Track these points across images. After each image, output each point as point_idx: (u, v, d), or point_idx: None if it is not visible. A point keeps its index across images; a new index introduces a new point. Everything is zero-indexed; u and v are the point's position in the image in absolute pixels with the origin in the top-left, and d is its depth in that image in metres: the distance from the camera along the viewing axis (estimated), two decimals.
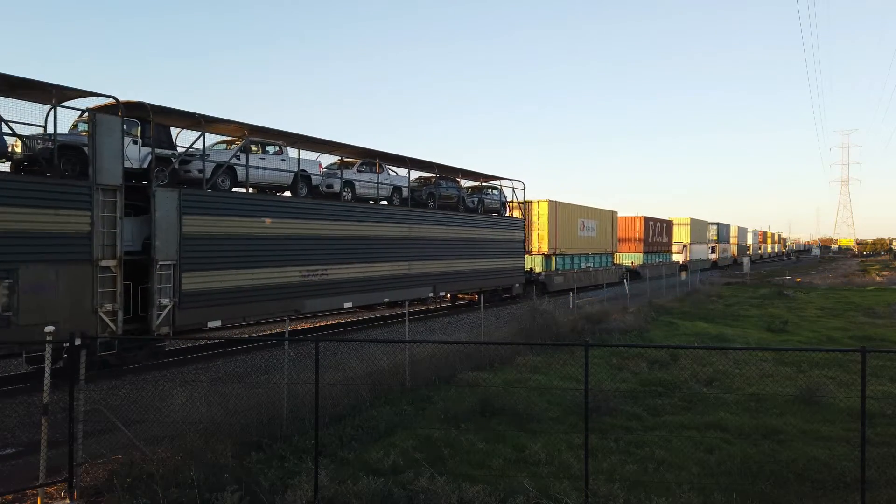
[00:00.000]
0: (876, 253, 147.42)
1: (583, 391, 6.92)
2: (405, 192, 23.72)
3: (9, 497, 7.10)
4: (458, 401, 10.28)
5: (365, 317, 25.32)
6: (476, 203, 28.52)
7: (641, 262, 49.88)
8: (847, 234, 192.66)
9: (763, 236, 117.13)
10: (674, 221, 61.76)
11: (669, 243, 58.02)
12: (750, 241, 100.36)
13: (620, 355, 14.93)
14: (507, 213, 31.32)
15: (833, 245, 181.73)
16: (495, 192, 30.56)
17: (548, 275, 35.07)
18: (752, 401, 10.99)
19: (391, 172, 23.65)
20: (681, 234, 62.23)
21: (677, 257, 60.38)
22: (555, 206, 36.05)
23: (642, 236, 50.49)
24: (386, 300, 22.46)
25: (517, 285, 30.41)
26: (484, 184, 30.54)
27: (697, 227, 66.50)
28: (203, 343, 17.60)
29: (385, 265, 21.74)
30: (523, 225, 31.75)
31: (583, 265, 39.85)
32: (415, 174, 25.44)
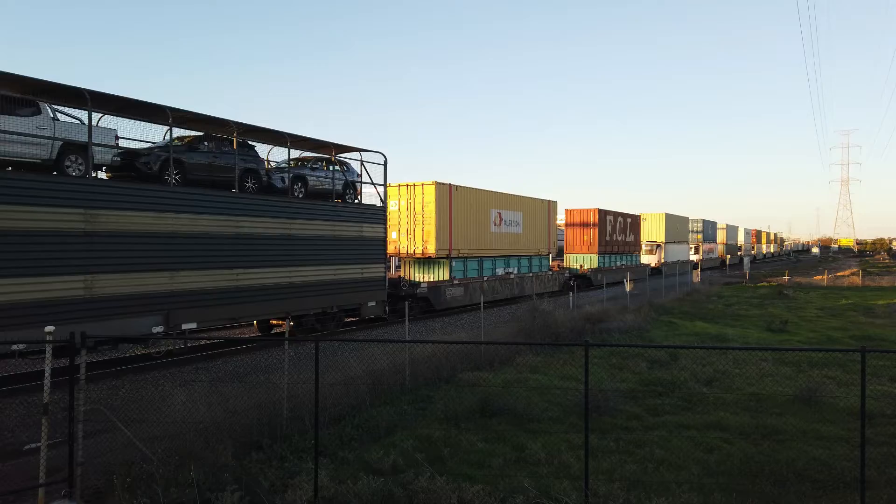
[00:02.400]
0: (875, 252, 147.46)
1: (582, 391, 6.93)
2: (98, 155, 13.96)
3: (9, 497, 7.10)
4: (458, 401, 10.28)
5: None
6: (292, 183, 18.41)
7: (595, 266, 41.36)
8: (847, 234, 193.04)
9: (757, 235, 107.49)
10: (643, 217, 53.45)
11: (636, 243, 49.80)
12: (742, 240, 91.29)
13: (620, 355, 14.93)
14: (359, 199, 21.40)
15: (833, 245, 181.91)
16: (342, 168, 20.87)
17: (436, 286, 25.81)
18: (751, 401, 11.00)
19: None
20: (653, 232, 54.31)
21: (649, 259, 52.87)
22: (447, 192, 26.62)
23: (597, 234, 41.74)
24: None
25: (372, 303, 20.84)
26: (316, 155, 20.88)
27: (675, 223, 58.11)
28: (202, 343, 17.60)
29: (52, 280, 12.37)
30: (384, 215, 21.55)
31: (500, 271, 31.10)
32: (176, 133, 15.98)
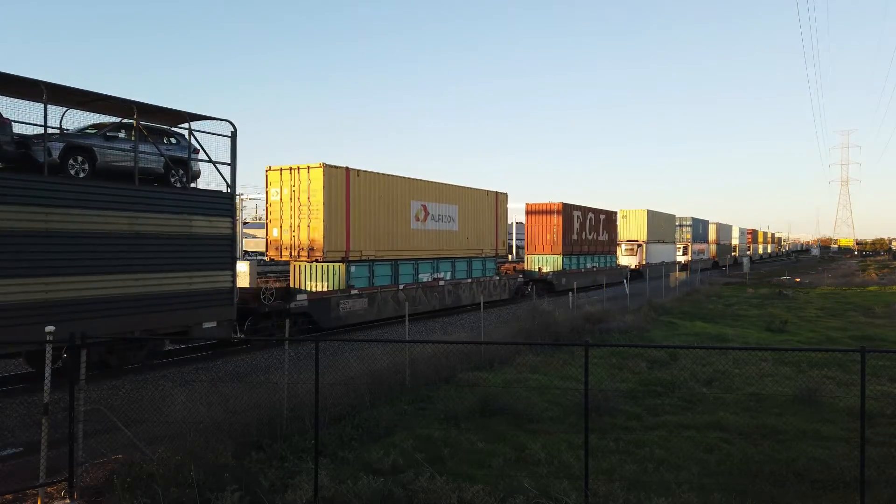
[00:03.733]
0: (875, 252, 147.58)
1: (582, 391, 6.93)
2: None
3: (9, 497, 7.10)
4: (458, 401, 10.29)
5: None
6: (66, 156, 13.05)
7: (559, 268, 36.20)
8: (846, 234, 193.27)
9: (753, 235, 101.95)
10: (622, 213, 49.23)
11: (612, 242, 44.98)
12: (736, 240, 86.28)
13: (620, 355, 14.94)
14: (195, 183, 15.92)
15: (833, 245, 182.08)
16: (167, 140, 15.46)
17: (322, 299, 20.03)
18: (751, 401, 11.01)
19: None
20: (633, 231, 49.56)
21: (629, 260, 48.39)
22: (341, 178, 20.82)
23: (561, 232, 36.21)
24: None
25: (210, 324, 15.21)
26: (120, 120, 14.65)
27: (660, 221, 53.03)
28: (202, 343, 17.59)
29: None
30: (231, 205, 15.86)
31: (425, 277, 25.23)
32: None
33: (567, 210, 36.92)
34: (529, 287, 32.28)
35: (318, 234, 20.40)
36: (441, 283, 26.08)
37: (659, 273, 43.65)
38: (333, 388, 10.06)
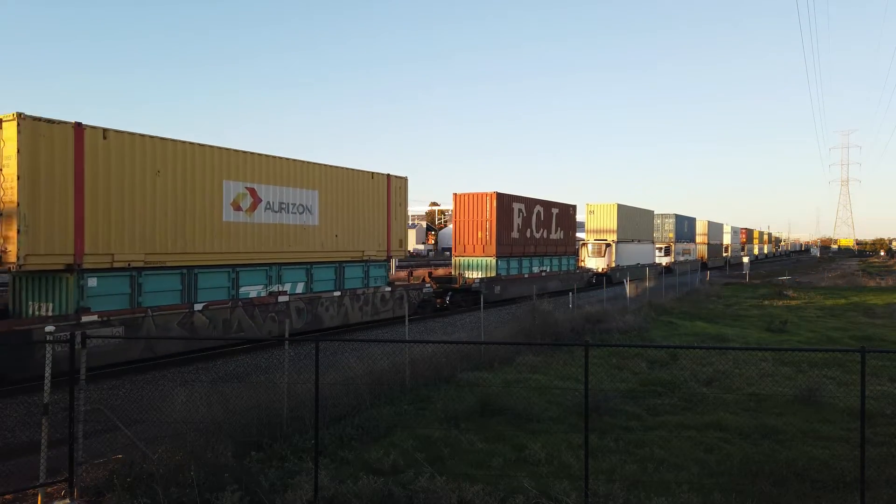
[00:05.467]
0: (875, 252, 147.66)
1: (582, 391, 6.93)
2: None
3: (9, 497, 7.10)
4: (458, 401, 10.29)
5: None
6: None
7: (493, 274, 29.20)
8: (846, 234, 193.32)
9: (748, 235, 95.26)
10: (589, 209, 43.56)
11: (569, 241, 37.83)
12: (728, 240, 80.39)
13: (620, 355, 14.94)
14: None
15: (833, 245, 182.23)
16: None
17: (21, 332, 12.38)
18: (751, 401, 11.01)
19: None
20: (602, 228, 43.67)
21: (596, 262, 41.70)
22: (66, 138, 13.01)
23: (494, 229, 29.18)
24: None
25: None
26: None
27: (634, 218, 46.66)
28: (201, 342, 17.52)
29: None
30: None
31: (253, 292, 17.61)
32: None
33: (503, 202, 29.93)
34: (446, 298, 26.58)
35: (11, 227, 12.43)
36: (283, 298, 18.22)
37: (635, 276, 39.12)
38: (333, 388, 10.06)
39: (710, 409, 10.43)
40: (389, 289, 22.78)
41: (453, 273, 29.83)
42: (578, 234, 42.43)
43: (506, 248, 30.37)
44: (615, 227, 43.06)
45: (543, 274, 34.08)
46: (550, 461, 8.00)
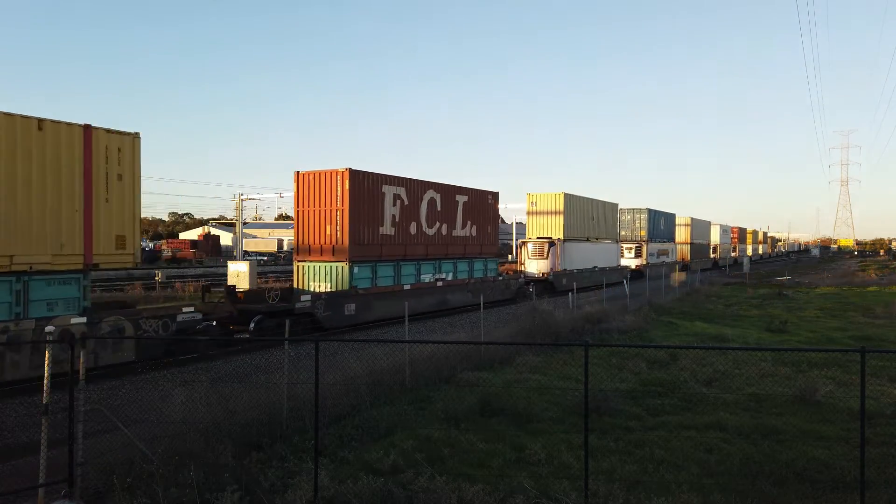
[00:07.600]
0: (875, 253, 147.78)
1: (582, 391, 6.93)
2: None
3: (9, 497, 7.10)
4: (458, 401, 10.29)
5: None
6: None
7: (344, 286, 20.58)
8: (846, 235, 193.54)
9: (740, 234, 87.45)
10: (531, 199, 36.00)
11: (486, 240, 29.17)
12: (716, 239, 72.28)
13: (620, 355, 14.94)
14: None
15: (833, 245, 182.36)
16: None
17: None
18: (751, 401, 11.01)
19: None
20: (545, 224, 35.64)
21: (536, 265, 34.51)
22: None
23: (346, 223, 20.54)
24: None
25: None
26: None
27: (587, 211, 38.81)
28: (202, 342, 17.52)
29: None
30: None
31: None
32: None
33: (363, 183, 21.11)
34: (251, 325, 16.97)
35: None
36: None
37: (589, 282, 33.74)
38: (333, 388, 10.06)
39: (710, 410, 10.43)
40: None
41: (296, 285, 21.59)
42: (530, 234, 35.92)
43: (368, 248, 21.65)
44: (561, 223, 35.40)
45: (440, 284, 25.58)
46: (550, 461, 8.00)
